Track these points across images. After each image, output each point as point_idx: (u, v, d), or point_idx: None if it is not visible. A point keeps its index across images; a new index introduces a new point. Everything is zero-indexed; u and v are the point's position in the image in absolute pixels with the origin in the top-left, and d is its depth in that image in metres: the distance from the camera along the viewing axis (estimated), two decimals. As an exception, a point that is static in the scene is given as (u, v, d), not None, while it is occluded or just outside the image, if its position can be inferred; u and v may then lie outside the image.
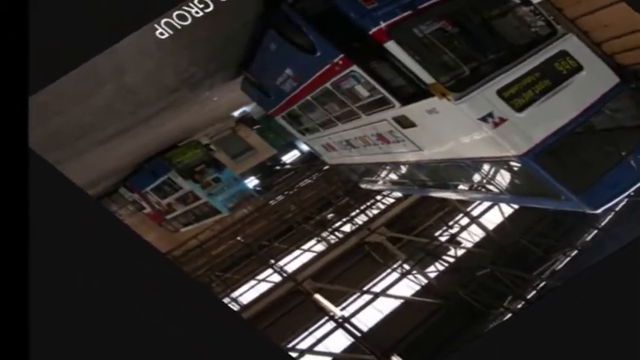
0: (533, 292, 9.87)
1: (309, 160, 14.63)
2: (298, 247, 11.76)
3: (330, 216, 12.73)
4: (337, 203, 12.98)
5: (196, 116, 13.59)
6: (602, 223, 10.47)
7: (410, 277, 10.71)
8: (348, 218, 12.44)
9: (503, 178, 9.03)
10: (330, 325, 9.80)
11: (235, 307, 10.18)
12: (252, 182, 14.38)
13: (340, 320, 9.79)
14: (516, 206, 11.38)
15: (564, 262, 10.38)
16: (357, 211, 12.59)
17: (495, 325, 9.04)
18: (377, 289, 10.54)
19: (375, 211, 12.40)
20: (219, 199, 13.38)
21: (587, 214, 8.13)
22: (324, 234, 12.19)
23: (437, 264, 11.02)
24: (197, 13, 6.97)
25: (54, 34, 6.62)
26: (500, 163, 8.48)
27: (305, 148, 14.53)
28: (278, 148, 15.61)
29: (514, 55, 7.88)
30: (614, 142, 8.34)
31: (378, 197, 12.79)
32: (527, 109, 7.58)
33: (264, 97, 11.83)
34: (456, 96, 7.42)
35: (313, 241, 12.01)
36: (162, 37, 7.01)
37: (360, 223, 12.19)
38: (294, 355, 9.36)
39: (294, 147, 15.68)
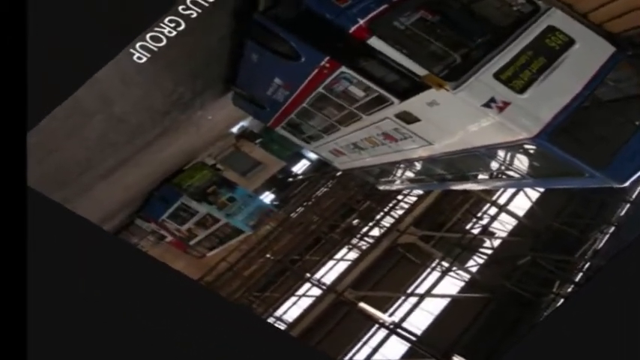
0: (580, 274, 9.82)
1: (321, 167, 14.49)
2: (331, 258, 11.61)
3: (355, 222, 12.60)
4: (359, 208, 12.85)
5: (195, 137, 13.45)
6: (634, 196, 10.46)
7: (451, 274, 10.61)
8: (374, 222, 12.31)
9: (522, 162, 8.98)
10: (382, 332, 9.66)
11: (282, 326, 10.01)
12: (268, 197, 14.19)
13: (392, 326, 9.66)
14: (542, 190, 11.35)
15: (604, 240, 10.34)
16: (382, 213, 12.46)
17: (551, 312, 8.96)
18: (420, 290, 10.43)
19: (400, 212, 12.28)
20: (239, 218, 13.19)
21: (615, 189, 8.10)
22: (354, 241, 12.06)
23: (475, 257, 10.93)
24: (170, 32, 6.88)
25: (35, 72, 6.49)
26: (514, 147, 8.44)
27: (313, 156, 14.40)
28: (286, 160, 15.43)
29: (501, 36, 7.85)
30: (623, 112, 8.32)
31: (399, 197, 12.68)
32: (529, 89, 7.54)
33: (259, 109, 11.73)
34: (453, 85, 7.37)
35: (344, 250, 11.86)
36: (141, 61, 6.90)
37: (388, 225, 12.07)
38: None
39: (302, 156, 15.52)
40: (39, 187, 6.17)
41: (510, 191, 11.76)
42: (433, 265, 10.86)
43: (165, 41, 6.77)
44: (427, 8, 7.96)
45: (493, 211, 11.74)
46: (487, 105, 7.51)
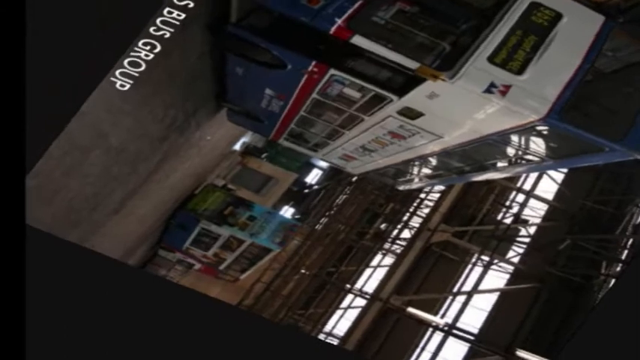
0: (626, 252, 9.80)
1: (334, 175, 14.41)
2: (367, 265, 11.53)
3: (383, 226, 12.53)
4: (384, 211, 12.77)
5: (198, 160, 13.30)
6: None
7: (493, 267, 10.56)
8: (402, 224, 12.24)
9: (538, 144, 8.90)
10: (438, 335, 9.59)
11: (335, 342, 9.92)
12: (287, 212, 14.09)
13: (446, 328, 9.59)
14: (565, 170, 11.32)
15: (641, 214, 10.33)
16: (408, 214, 12.39)
17: (605, 294, 8.95)
18: (466, 287, 10.38)
19: (426, 210, 12.21)
20: (263, 236, 13.05)
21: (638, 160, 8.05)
22: (386, 245, 11.98)
23: (514, 247, 10.89)
24: (147, 55, 6.73)
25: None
26: (527, 130, 8.35)
27: (324, 164, 14.32)
28: (297, 171, 15.31)
29: (486, 19, 7.74)
30: (628, 81, 8.27)
31: (422, 195, 12.61)
32: (527, 69, 7.43)
33: (257, 123, 11.50)
34: (449, 74, 7.13)
35: (379, 256, 11.79)
36: (124, 88, 6.78)
37: (417, 225, 12.00)
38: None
39: (313, 166, 15.43)
40: (53, 230, 5.99)
41: (533, 176, 11.71)
42: (473, 260, 10.79)
43: (144, 65, 6.64)
44: (403, -1, 7.85)
45: (521, 198, 11.69)
46: (488, 90, 7.38)
